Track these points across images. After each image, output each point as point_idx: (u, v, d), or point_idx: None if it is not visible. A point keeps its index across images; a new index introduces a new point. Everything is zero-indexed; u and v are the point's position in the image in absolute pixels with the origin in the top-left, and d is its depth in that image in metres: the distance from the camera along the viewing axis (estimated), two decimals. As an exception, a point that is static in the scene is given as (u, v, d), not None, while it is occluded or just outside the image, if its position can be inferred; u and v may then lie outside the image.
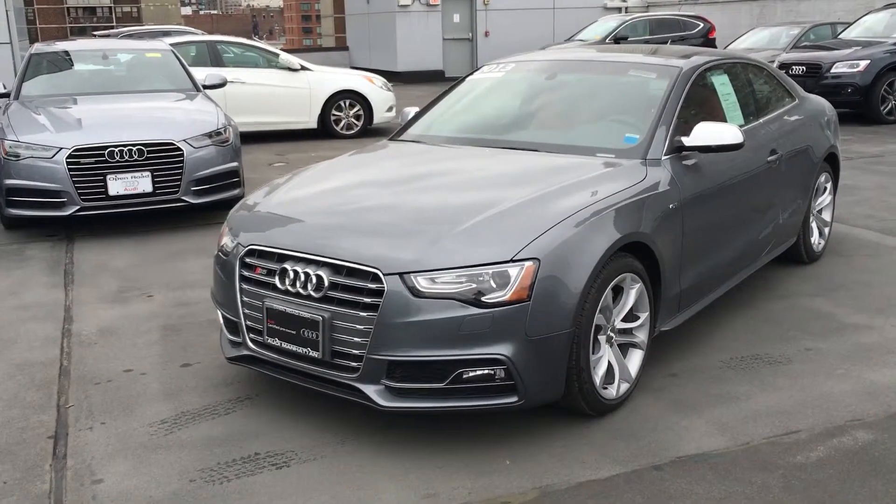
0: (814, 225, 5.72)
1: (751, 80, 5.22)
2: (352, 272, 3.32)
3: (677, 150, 4.11)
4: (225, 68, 11.87)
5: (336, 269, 3.36)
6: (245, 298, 3.61)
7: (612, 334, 3.63)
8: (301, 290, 3.39)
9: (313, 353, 3.37)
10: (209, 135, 7.21)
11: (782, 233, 5.16)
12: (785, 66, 13.04)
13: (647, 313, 3.78)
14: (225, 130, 7.38)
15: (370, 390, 3.28)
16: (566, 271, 3.28)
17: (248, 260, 3.63)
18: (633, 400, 3.77)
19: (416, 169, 4.22)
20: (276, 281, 3.48)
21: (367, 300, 3.24)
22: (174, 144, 6.95)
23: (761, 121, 5.00)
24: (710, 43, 19.08)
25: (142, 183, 6.82)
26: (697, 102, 4.53)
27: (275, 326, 3.49)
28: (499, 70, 5.06)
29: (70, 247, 6.65)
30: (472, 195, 3.71)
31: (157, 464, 3.30)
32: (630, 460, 3.28)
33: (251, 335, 3.62)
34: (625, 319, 3.72)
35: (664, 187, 3.89)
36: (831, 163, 5.86)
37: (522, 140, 4.37)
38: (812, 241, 5.68)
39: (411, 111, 5.13)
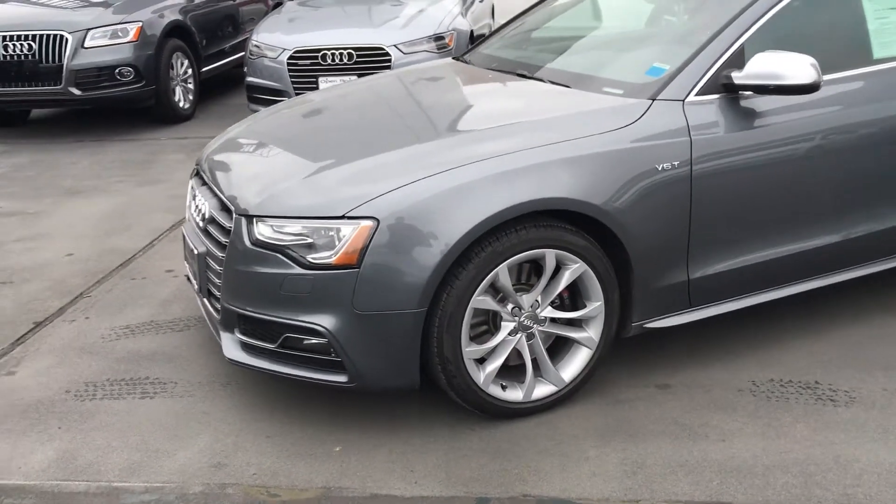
0: None
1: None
2: (225, 208, 3.04)
3: (727, 89, 3.00)
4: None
5: (223, 204, 3.10)
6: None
7: (529, 323, 2.86)
8: (197, 220, 3.21)
9: (196, 286, 3.20)
10: (429, 38, 7.05)
11: None
12: None
13: (599, 303, 2.90)
14: (447, 36, 7.14)
15: (225, 338, 3.02)
16: (417, 238, 2.63)
17: (191, 181, 3.53)
18: (572, 408, 2.98)
19: (408, 95, 3.67)
20: (192, 207, 3.34)
21: (223, 240, 2.95)
22: (383, 49, 6.91)
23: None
24: None
25: (348, 86, 6.94)
26: (810, 21, 3.24)
27: (185, 253, 3.38)
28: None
29: (284, 143, 7.07)
30: (398, 130, 3.14)
31: (68, 367, 3.44)
32: (465, 484, 2.61)
33: (190, 257, 3.55)
34: (562, 308, 2.91)
35: (659, 140, 2.88)
36: None
37: (543, 66, 3.51)
38: None
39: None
